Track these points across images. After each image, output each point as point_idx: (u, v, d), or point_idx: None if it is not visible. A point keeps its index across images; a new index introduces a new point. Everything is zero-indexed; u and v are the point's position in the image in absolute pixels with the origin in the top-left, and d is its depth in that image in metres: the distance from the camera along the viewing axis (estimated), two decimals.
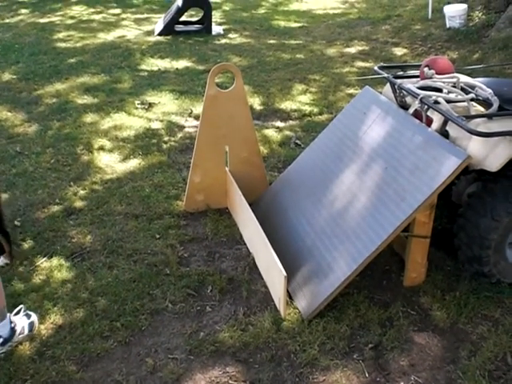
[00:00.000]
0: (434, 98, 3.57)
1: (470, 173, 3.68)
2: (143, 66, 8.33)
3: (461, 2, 10.14)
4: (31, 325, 3.35)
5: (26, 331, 3.31)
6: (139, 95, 7.09)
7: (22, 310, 3.40)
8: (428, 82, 3.80)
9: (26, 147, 5.71)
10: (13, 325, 3.26)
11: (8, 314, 3.28)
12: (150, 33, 10.14)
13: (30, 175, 5.16)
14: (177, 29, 9.93)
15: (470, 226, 3.53)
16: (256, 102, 6.82)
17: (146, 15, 11.65)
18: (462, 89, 3.78)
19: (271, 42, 9.67)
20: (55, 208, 4.63)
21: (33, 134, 6.01)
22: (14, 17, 11.48)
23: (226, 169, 4.46)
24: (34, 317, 3.40)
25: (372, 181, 3.65)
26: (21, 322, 3.31)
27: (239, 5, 12.75)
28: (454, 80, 3.79)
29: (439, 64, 3.94)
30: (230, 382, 3.06)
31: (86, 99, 7.02)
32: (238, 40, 9.80)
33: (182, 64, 8.41)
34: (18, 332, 3.27)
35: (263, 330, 3.37)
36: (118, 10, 12.10)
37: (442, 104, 3.51)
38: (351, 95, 6.55)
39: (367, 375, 3.09)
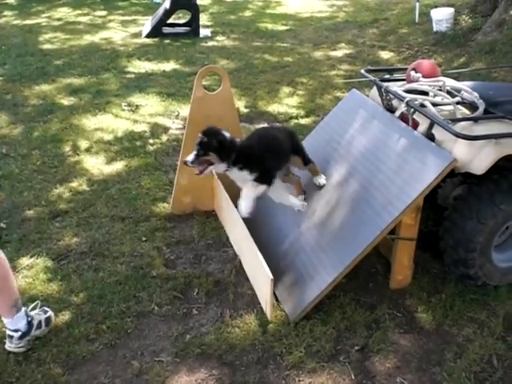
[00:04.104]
0: (420, 101, 3.59)
1: (455, 176, 3.70)
2: (130, 68, 8.31)
3: (448, 6, 10.20)
4: (48, 320, 3.36)
5: (43, 326, 3.32)
6: (126, 97, 7.07)
7: (39, 306, 3.41)
8: (414, 86, 3.81)
9: (12, 149, 5.69)
10: (29, 319, 3.26)
11: (24, 309, 3.28)
12: (137, 35, 10.12)
13: (16, 177, 5.13)
14: (164, 31, 9.93)
15: (456, 229, 3.55)
16: (243, 105, 6.82)
17: (132, 17, 11.64)
18: (448, 92, 3.80)
19: (258, 44, 9.67)
20: (41, 210, 4.60)
21: (19, 136, 5.99)
22: (0, 18, 11.42)
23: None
24: (50, 312, 3.41)
25: (358, 183, 3.65)
26: (38, 316, 3.32)
27: (226, 7, 12.75)
28: (440, 83, 3.81)
29: (425, 67, 3.96)
30: None
31: (73, 101, 6.99)
32: (225, 42, 9.80)
33: (169, 66, 8.40)
34: (35, 326, 3.28)
35: (249, 333, 3.37)
36: (104, 12, 12.08)
37: (428, 107, 3.53)
38: (338, 98, 6.56)
39: (353, 377, 3.09)
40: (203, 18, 10.90)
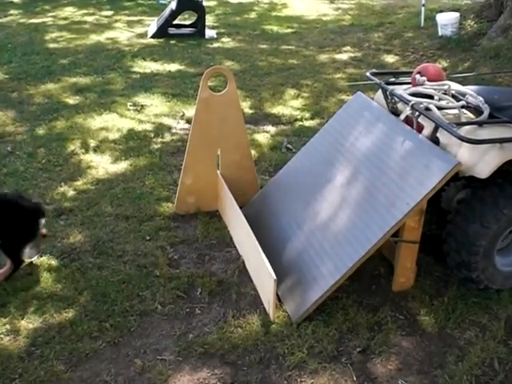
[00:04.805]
0: (425, 104, 3.59)
1: (459, 179, 3.70)
2: (136, 68, 8.33)
3: (453, 11, 10.21)
4: None
5: None
6: (131, 97, 7.09)
7: None
8: (419, 89, 3.82)
9: (18, 147, 5.70)
10: None
11: None
12: (142, 35, 10.14)
13: (21, 175, 5.15)
14: (170, 32, 9.95)
15: (459, 232, 3.56)
16: (248, 106, 6.84)
17: (138, 17, 11.66)
18: (453, 96, 3.80)
19: (264, 46, 9.69)
20: (45, 208, 4.61)
21: (24, 134, 6.00)
22: (6, 16, 11.46)
23: (218, 172, 4.47)
24: None
25: (362, 186, 3.67)
26: None
27: (232, 9, 12.78)
28: (445, 87, 3.82)
29: (431, 71, 3.97)
30: (219, 383, 3.07)
31: (78, 100, 7.01)
32: (230, 44, 9.82)
33: (174, 67, 8.42)
34: None
35: (252, 333, 3.38)
36: (110, 12, 12.10)
37: (432, 111, 3.53)
38: (343, 101, 6.58)
39: (355, 379, 3.10)
40: (209, 20, 10.91)
